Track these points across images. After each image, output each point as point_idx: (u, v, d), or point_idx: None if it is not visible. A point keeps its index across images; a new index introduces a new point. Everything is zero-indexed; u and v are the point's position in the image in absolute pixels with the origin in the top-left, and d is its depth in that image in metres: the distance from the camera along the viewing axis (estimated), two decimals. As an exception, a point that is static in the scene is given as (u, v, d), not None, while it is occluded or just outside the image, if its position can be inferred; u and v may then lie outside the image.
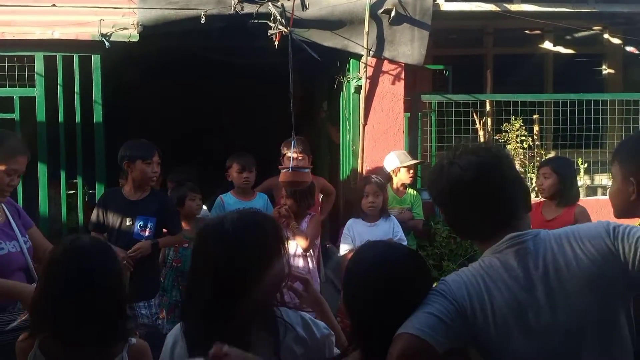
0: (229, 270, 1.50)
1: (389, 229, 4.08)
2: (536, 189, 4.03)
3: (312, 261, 3.92)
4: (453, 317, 1.41)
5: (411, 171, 4.68)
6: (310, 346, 1.61)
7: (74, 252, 1.78)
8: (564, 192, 3.82)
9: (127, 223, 3.60)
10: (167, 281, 4.12)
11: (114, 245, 3.37)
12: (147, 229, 3.63)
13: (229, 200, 4.21)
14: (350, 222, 4.20)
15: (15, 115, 4.44)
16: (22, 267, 2.49)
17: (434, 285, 1.54)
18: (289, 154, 4.14)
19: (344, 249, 4.10)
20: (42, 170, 4.51)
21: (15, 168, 2.44)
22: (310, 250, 3.85)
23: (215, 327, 1.51)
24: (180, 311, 1.70)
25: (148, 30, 4.54)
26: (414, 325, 1.39)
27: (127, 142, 3.71)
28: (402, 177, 4.69)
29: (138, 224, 3.62)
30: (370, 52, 4.92)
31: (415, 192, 4.84)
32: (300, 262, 3.82)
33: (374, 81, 5.01)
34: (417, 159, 4.90)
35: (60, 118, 4.51)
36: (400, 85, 5.08)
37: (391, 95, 5.04)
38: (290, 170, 3.68)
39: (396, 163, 4.69)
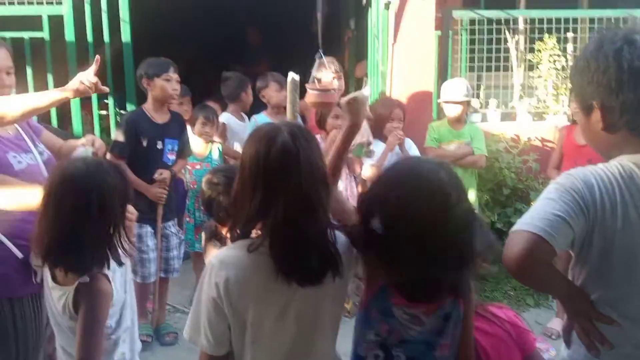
0: (275, 174, 1.49)
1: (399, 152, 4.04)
2: (569, 113, 3.92)
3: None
4: (578, 220, 1.37)
5: (457, 107, 4.24)
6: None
7: (64, 179, 1.79)
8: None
9: (159, 147, 3.68)
10: (190, 203, 4.27)
11: (143, 164, 3.58)
12: (174, 152, 3.76)
13: (262, 120, 4.24)
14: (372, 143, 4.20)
15: (45, 34, 4.40)
16: (42, 180, 2.36)
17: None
18: (318, 75, 4.12)
19: (367, 165, 4.11)
20: (73, 90, 4.53)
21: None
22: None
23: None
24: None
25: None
26: (541, 226, 1.34)
27: (144, 61, 3.71)
28: (447, 110, 4.35)
29: (167, 147, 3.73)
30: (400, -37, 4.72)
31: (475, 124, 4.52)
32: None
33: (404, -3, 4.85)
34: (467, 96, 4.29)
35: (89, 37, 4.46)
36: (431, 1, 4.91)
37: (422, 11, 4.86)
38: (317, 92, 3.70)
39: (443, 96, 4.35)
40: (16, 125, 2.41)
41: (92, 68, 2.40)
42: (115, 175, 1.85)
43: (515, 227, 1.38)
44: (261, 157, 1.51)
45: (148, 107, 3.72)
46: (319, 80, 4.12)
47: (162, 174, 3.66)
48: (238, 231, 1.59)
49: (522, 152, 4.89)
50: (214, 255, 1.61)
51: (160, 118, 3.71)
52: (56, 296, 1.87)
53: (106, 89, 2.35)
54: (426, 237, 1.43)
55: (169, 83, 3.61)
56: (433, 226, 1.43)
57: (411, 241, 1.44)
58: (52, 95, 2.33)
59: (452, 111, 4.30)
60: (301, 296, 1.55)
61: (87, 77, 2.37)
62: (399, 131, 4.00)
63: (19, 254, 2.26)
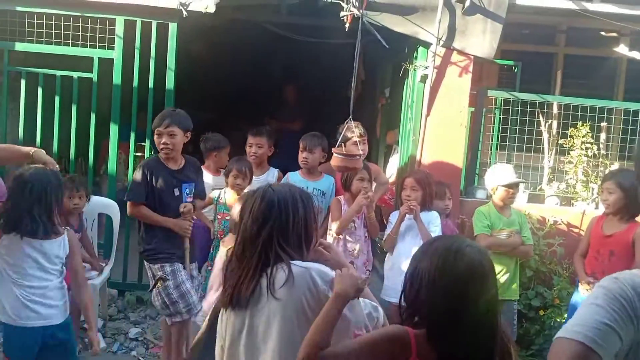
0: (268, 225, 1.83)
1: (425, 223, 3.99)
2: (597, 200, 3.90)
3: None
4: (627, 329, 1.30)
5: (511, 191, 4.14)
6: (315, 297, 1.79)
7: (23, 179, 2.83)
8: (629, 207, 3.75)
9: (176, 193, 3.74)
10: (214, 252, 4.26)
11: (163, 211, 3.66)
12: (191, 195, 3.80)
13: (295, 179, 4.29)
14: (395, 213, 4.22)
15: (94, 75, 4.61)
16: None
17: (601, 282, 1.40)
18: (354, 138, 4.20)
19: (386, 233, 4.12)
20: (113, 130, 4.69)
21: None
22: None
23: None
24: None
25: (224, 2, 4.61)
26: (590, 335, 1.27)
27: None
28: (501, 195, 4.17)
29: (185, 192, 3.78)
30: (440, 41, 4.85)
31: (521, 211, 4.39)
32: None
33: (440, 71, 4.95)
34: (518, 177, 4.23)
35: (135, 82, 4.65)
36: (467, 78, 5.01)
37: (457, 87, 4.98)
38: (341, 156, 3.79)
39: (496, 181, 4.17)
40: None
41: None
42: (54, 176, 2.94)
43: (561, 334, 1.31)
44: None
45: (161, 154, 3.77)
46: (345, 144, 4.22)
47: (186, 207, 3.70)
48: None
49: (548, 235, 4.83)
50: None
51: (174, 165, 3.74)
52: (56, 245, 2.91)
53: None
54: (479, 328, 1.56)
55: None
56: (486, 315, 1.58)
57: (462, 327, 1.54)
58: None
59: (505, 197, 4.16)
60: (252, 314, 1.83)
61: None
62: (412, 201, 3.96)
63: None
